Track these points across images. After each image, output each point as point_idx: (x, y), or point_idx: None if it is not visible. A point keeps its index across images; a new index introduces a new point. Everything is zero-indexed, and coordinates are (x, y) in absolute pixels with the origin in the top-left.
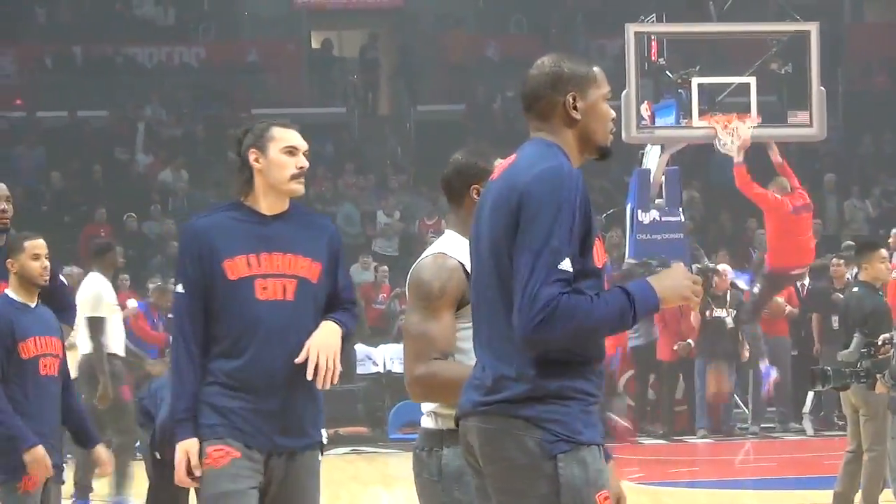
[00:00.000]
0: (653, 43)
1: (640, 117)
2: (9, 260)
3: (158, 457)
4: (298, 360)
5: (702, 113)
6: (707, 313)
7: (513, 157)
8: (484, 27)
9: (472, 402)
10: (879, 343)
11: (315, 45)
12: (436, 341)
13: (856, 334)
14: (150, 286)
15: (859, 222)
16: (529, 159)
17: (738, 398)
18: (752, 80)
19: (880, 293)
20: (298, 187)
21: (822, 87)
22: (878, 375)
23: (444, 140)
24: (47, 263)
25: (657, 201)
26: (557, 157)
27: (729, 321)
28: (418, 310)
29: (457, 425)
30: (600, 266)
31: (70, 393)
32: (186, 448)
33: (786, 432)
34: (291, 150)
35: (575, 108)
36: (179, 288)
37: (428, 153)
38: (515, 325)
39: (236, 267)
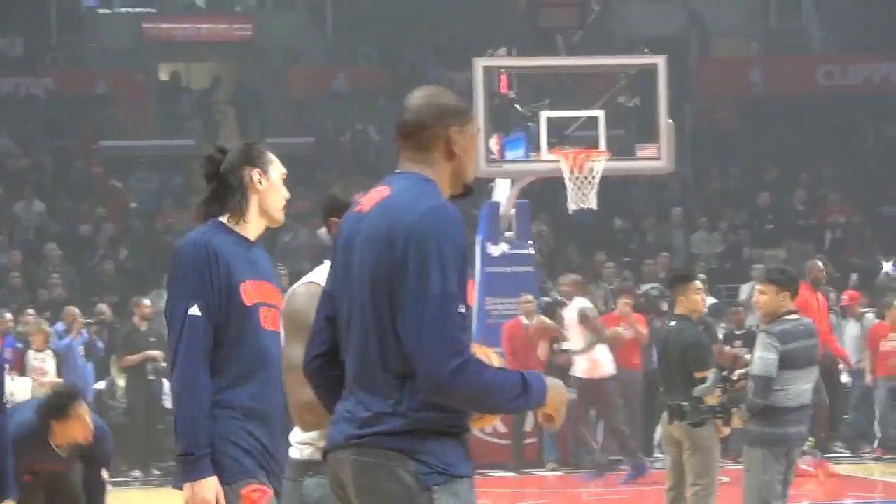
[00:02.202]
0: (502, 76)
1: (489, 151)
2: None
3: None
4: None
5: (551, 146)
6: (555, 346)
7: (383, 189)
8: (333, 59)
9: (345, 434)
10: (735, 378)
11: (163, 77)
12: None
13: (712, 370)
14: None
15: (707, 256)
16: (409, 195)
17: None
18: (601, 114)
19: (698, 326)
20: (282, 217)
21: (670, 121)
22: (733, 410)
23: (292, 172)
24: None
25: (507, 234)
26: (437, 195)
27: (536, 370)
28: (293, 339)
29: (324, 458)
30: (471, 304)
31: None
32: (214, 488)
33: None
34: (283, 178)
35: (456, 142)
36: (195, 309)
37: None
38: (424, 369)
39: (248, 292)
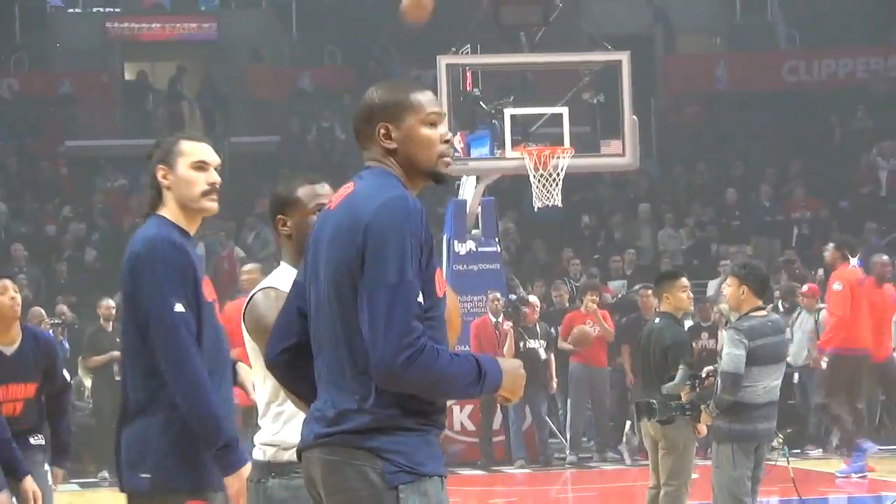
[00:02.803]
0: (467, 74)
1: (454, 149)
2: None
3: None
4: (253, 395)
5: (515, 144)
6: (521, 344)
7: (349, 185)
8: (297, 59)
9: (314, 433)
10: (704, 375)
11: (129, 76)
12: None
13: (680, 367)
14: None
15: (673, 252)
16: (369, 189)
17: (554, 428)
18: (565, 111)
19: (681, 323)
20: (211, 205)
21: (634, 117)
22: (702, 406)
23: (257, 171)
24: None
25: (473, 232)
26: (397, 187)
27: (541, 352)
28: (263, 344)
29: (299, 457)
30: (441, 295)
31: None
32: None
33: (603, 462)
34: (201, 165)
35: (389, 137)
36: (179, 307)
37: (241, 185)
38: (376, 357)
39: (207, 288)
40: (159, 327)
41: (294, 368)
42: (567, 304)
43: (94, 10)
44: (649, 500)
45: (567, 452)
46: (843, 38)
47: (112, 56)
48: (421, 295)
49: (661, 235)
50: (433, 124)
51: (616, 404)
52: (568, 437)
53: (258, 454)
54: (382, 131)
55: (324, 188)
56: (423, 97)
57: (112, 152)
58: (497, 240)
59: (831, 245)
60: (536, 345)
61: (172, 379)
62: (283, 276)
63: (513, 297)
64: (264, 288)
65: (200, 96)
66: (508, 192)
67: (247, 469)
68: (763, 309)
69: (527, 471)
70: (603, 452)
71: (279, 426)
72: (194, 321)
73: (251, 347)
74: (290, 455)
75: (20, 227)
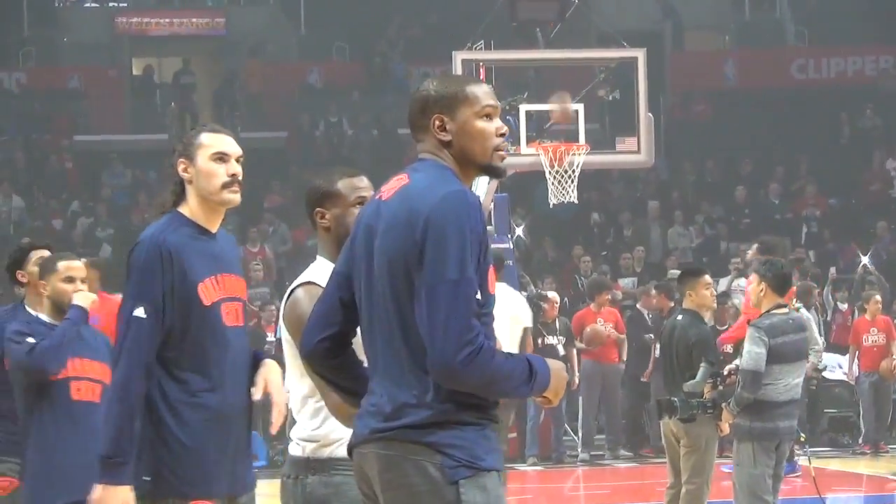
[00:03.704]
0: (481, 69)
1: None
2: (41, 280)
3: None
4: (257, 396)
5: (529, 140)
6: (539, 341)
7: (403, 177)
8: (306, 54)
9: (370, 428)
10: (725, 373)
11: (136, 71)
12: None
13: (702, 365)
14: None
15: (683, 250)
16: (427, 182)
17: (567, 425)
18: (580, 107)
19: (704, 321)
20: (232, 196)
21: (650, 114)
22: (723, 404)
23: (266, 167)
24: (82, 287)
25: (487, 228)
26: (455, 181)
27: (560, 349)
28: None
29: (349, 453)
30: (493, 292)
31: None
32: (124, 498)
33: (615, 459)
34: (222, 157)
35: (444, 129)
36: (140, 311)
37: (249, 180)
38: (435, 354)
39: (208, 291)
40: (118, 326)
41: (332, 358)
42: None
43: (102, 4)
44: (669, 500)
45: (579, 450)
46: (852, 36)
47: (120, 51)
48: (478, 293)
49: (670, 233)
50: (488, 117)
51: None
52: (580, 434)
53: (296, 450)
54: (437, 123)
55: (363, 181)
56: (479, 90)
57: (120, 147)
58: (510, 236)
59: (755, 245)
60: (555, 341)
61: (112, 377)
62: (322, 271)
63: (527, 293)
64: (304, 283)
65: (208, 91)
66: (518, 189)
67: (120, 491)
68: (784, 307)
69: (539, 468)
70: (615, 450)
71: (318, 422)
72: (162, 328)
73: (288, 343)
74: (331, 451)
75: (28, 221)
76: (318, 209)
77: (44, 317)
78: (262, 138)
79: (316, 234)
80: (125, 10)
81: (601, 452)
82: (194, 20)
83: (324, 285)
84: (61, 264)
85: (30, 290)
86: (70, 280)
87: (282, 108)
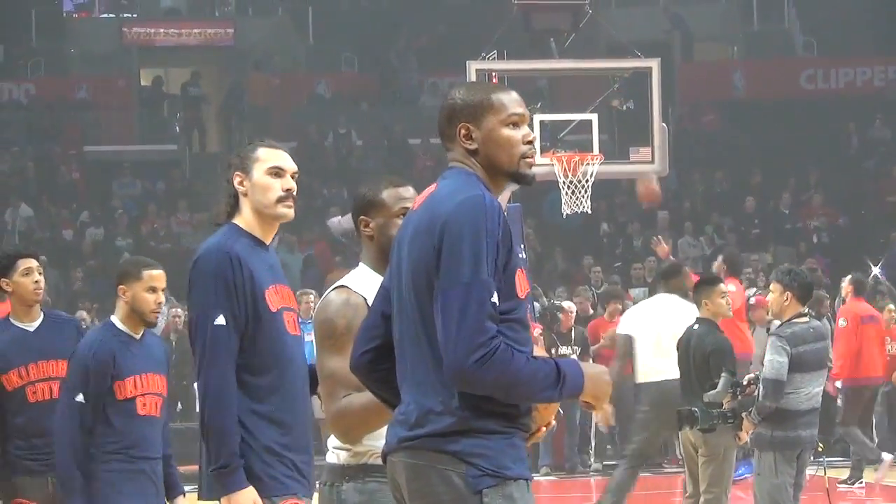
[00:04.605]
0: (494, 80)
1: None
2: (120, 286)
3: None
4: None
5: (544, 150)
6: (553, 351)
7: (432, 186)
8: (315, 64)
9: (398, 437)
10: (745, 383)
11: (145, 82)
12: (342, 378)
13: (723, 374)
14: None
15: (693, 260)
16: (449, 189)
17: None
18: (595, 117)
19: (720, 330)
20: (286, 211)
21: (664, 124)
22: (744, 414)
23: None
24: (162, 298)
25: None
26: (477, 186)
27: (574, 358)
28: (325, 349)
29: (384, 461)
30: (523, 297)
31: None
32: (253, 498)
33: None
34: (277, 171)
35: (470, 137)
36: (220, 320)
37: None
38: (448, 358)
39: (272, 298)
40: (196, 338)
41: (375, 371)
42: (590, 311)
43: (111, 15)
44: None
45: (592, 460)
46: (860, 47)
47: (128, 61)
48: (496, 295)
49: (680, 243)
50: (515, 125)
51: None
52: (592, 444)
53: (332, 458)
54: (463, 132)
55: (408, 191)
56: (506, 97)
57: (130, 157)
58: (523, 246)
59: (720, 257)
60: (568, 350)
61: (200, 388)
62: (359, 277)
63: (541, 303)
64: (338, 287)
65: (217, 102)
66: (527, 199)
67: (244, 495)
68: (805, 315)
69: (552, 478)
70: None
71: None
72: (238, 334)
73: (317, 348)
74: (365, 459)
75: (38, 232)
76: (362, 217)
77: (118, 323)
78: None
79: (361, 241)
80: (133, 21)
81: (614, 462)
82: (202, 31)
83: (357, 290)
84: (146, 273)
85: (15, 301)
86: (153, 290)
87: (290, 119)
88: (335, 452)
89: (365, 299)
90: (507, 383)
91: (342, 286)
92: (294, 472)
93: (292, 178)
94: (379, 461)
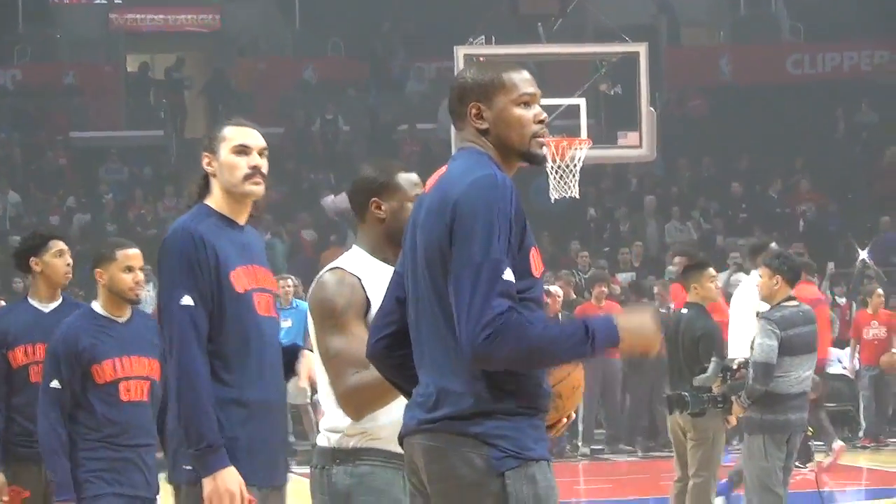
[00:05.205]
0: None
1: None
2: (97, 270)
3: None
4: (303, 384)
5: None
6: None
7: (443, 168)
8: (301, 50)
9: (417, 419)
10: (735, 367)
11: (131, 68)
12: (350, 356)
13: (713, 359)
14: None
15: (681, 245)
16: (461, 169)
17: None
18: (583, 102)
19: (709, 314)
20: (254, 188)
21: (652, 108)
22: (734, 398)
23: None
24: (141, 276)
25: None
26: (489, 166)
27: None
28: (326, 329)
29: (401, 444)
30: (538, 276)
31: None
32: (237, 477)
33: (615, 454)
34: (243, 149)
35: (481, 117)
36: (186, 300)
37: None
38: (461, 338)
39: (240, 278)
40: (165, 318)
41: (391, 357)
42: (572, 296)
43: (97, 1)
44: (676, 493)
45: (579, 444)
46: (847, 31)
47: (115, 47)
48: (510, 273)
49: (667, 228)
50: (527, 104)
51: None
52: (580, 429)
53: (322, 440)
54: (474, 111)
55: (417, 177)
56: (518, 77)
57: (117, 143)
58: None
59: (677, 258)
60: None
61: (171, 370)
62: (353, 258)
63: None
64: (332, 268)
65: (203, 88)
66: (514, 183)
67: (227, 474)
68: (794, 299)
69: None
70: (615, 444)
71: (343, 412)
72: (207, 314)
73: (312, 329)
74: (356, 442)
75: (25, 217)
76: (374, 199)
77: (97, 308)
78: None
79: (360, 224)
80: (119, 7)
81: (601, 447)
82: (189, 16)
83: (352, 271)
84: (119, 252)
85: (41, 281)
86: (129, 269)
87: (277, 105)
88: (326, 435)
89: (360, 280)
90: (526, 352)
91: (336, 267)
92: (262, 457)
93: (261, 154)
94: (371, 444)
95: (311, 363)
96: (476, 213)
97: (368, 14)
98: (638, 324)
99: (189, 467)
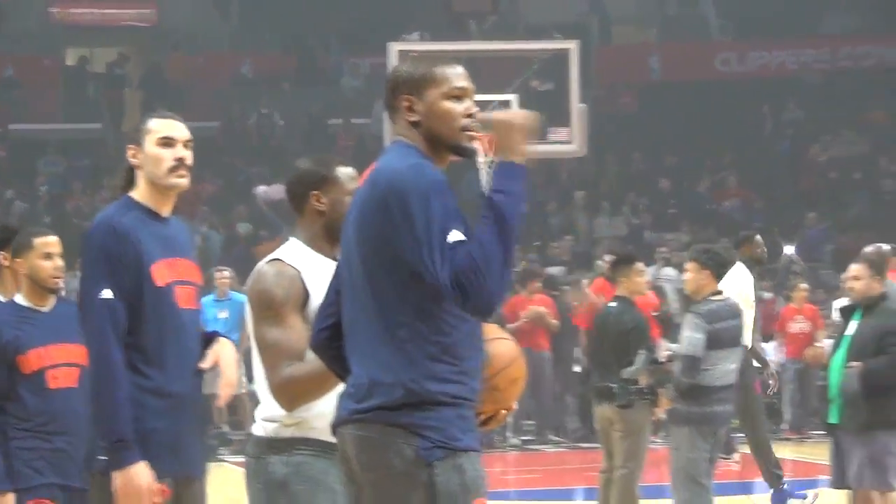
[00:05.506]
0: None
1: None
2: (17, 261)
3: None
4: (205, 366)
5: None
6: None
7: (375, 163)
8: (238, 45)
9: (348, 409)
10: (663, 360)
11: (70, 61)
12: (286, 348)
13: (641, 351)
14: None
15: (610, 239)
16: (389, 161)
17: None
18: (514, 98)
19: (638, 308)
20: (178, 181)
21: (582, 104)
22: (660, 390)
23: (198, 156)
24: (60, 263)
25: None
26: (416, 157)
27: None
28: (264, 320)
29: (333, 433)
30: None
31: None
32: (147, 473)
33: (544, 444)
34: (168, 141)
35: (412, 110)
36: (106, 293)
37: None
38: (467, 305)
39: (161, 271)
40: (84, 311)
41: (332, 348)
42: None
43: None
44: (602, 483)
45: (509, 435)
46: (774, 30)
47: (55, 40)
48: (457, 233)
49: (596, 223)
50: (458, 98)
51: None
52: (509, 420)
53: (258, 430)
54: (406, 104)
55: (354, 172)
56: (450, 71)
57: (55, 136)
58: None
59: (608, 258)
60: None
61: (89, 364)
62: (291, 251)
63: None
64: (271, 260)
65: (141, 82)
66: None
67: (137, 469)
68: (720, 293)
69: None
70: (543, 435)
71: None
72: (127, 307)
73: (250, 320)
74: (292, 431)
75: None
76: (314, 192)
77: (20, 300)
78: (194, 128)
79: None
80: (60, 0)
81: (531, 437)
82: (127, 11)
83: (291, 263)
84: (36, 240)
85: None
86: (48, 257)
87: (214, 99)
88: (262, 424)
89: (299, 272)
90: (488, 262)
91: (276, 259)
92: (175, 450)
93: (185, 146)
94: (306, 433)
95: (225, 351)
96: (408, 196)
97: (304, 10)
98: (503, 122)
99: (104, 458)
